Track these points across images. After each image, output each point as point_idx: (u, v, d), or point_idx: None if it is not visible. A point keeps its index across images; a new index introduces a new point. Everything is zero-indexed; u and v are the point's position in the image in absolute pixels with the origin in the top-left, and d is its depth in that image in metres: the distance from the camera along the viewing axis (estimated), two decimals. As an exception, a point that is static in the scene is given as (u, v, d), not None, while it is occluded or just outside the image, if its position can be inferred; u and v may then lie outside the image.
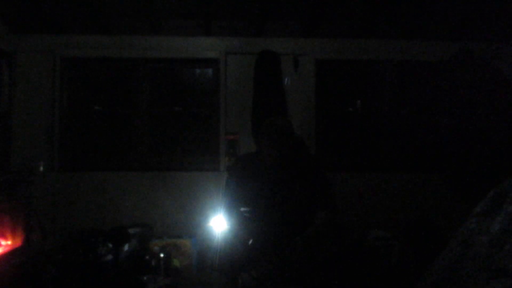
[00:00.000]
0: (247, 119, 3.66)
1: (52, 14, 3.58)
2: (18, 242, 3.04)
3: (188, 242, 3.32)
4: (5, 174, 3.35)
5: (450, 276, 1.24)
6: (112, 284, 2.83)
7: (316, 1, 3.51)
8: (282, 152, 2.40)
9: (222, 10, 3.64)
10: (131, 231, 3.24)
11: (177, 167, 3.80)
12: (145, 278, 2.98)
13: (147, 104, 3.84)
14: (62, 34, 3.74)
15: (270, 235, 2.32)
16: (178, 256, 3.27)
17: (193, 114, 3.93)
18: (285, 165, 2.43)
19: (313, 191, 2.42)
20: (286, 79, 3.75)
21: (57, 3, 3.46)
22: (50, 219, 3.41)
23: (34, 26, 3.68)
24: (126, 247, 3.08)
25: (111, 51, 3.77)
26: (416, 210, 3.59)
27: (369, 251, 3.17)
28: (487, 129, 3.46)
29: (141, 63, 3.82)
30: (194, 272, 3.28)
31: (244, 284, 2.27)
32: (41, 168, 3.55)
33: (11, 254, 2.88)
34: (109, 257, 2.97)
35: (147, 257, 3.18)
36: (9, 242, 2.99)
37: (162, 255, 3.16)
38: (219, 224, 2.73)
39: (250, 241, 2.33)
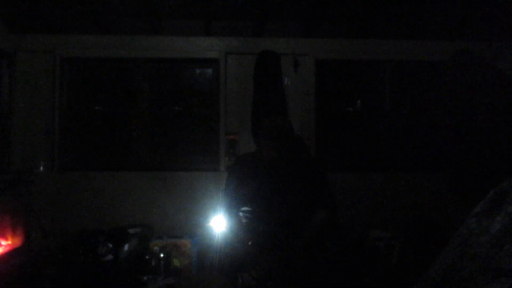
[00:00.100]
0: (247, 119, 3.66)
1: (52, 14, 3.58)
2: (18, 242, 3.04)
3: (188, 242, 3.31)
4: (5, 174, 3.36)
5: (450, 276, 1.24)
6: (112, 284, 2.82)
7: (316, 1, 3.51)
8: (282, 152, 2.40)
9: (222, 10, 3.64)
10: (131, 231, 3.24)
11: (177, 167, 3.80)
12: (145, 278, 2.98)
13: (147, 104, 3.84)
14: (62, 34, 3.74)
15: (269, 235, 2.32)
16: (178, 256, 3.27)
17: (193, 114, 3.92)
18: (285, 165, 2.43)
19: (312, 191, 2.42)
20: (286, 79, 3.74)
21: (57, 3, 3.46)
22: (50, 219, 3.41)
23: (34, 26, 3.68)
24: (126, 247, 3.08)
25: (111, 51, 3.77)
26: (416, 210, 3.59)
27: (369, 251, 3.17)
28: (487, 129, 3.46)
29: (141, 63, 3.82)
30: (194, 272, 3.27)
31: (244, 284, 2.27)
32: (41, 168, 3.55)
33: (11, 254, 2.88)
34: (109, 257, 2.97)
35: (147, 257, 3.17)
36: (9, 242, 2.99)
37: (162, 255, 3.16)
38: (219, 224, 2.73)
39: (250, 242, 2.33)
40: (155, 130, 3.86)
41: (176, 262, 3.24)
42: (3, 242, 2.95)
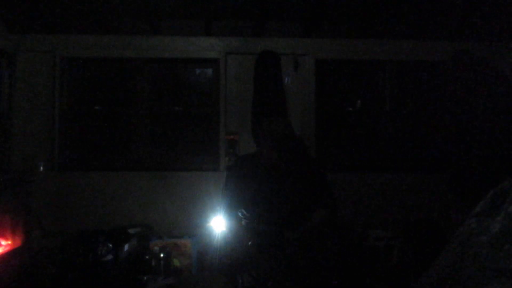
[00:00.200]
0: (247, 119, 3.66)
1: (52, 14, 3.58)
2: (18, 242, 3.04)
3: (188, 242, 3.31)
4: (5, 174, 3.36)
5: (450, 276, 1.24)
6: (112, 284, 2.83)
7: (316, 1, 3.51)
8: (282, 152, 2.40)
9: (222, 10, 3.64)
10: (131, 231, 3.24)
11: (177, 167, 3.80)
12: (145, 278, 2.98)
13: (147, 104, 3.84)
14: (62, 34, 3.74)
15: (269, 235, 2.32)
16: (178, 256, 3.27)
17: (193, 114, 3.92)
18: (285, 166, 2.43)
19: (312, 191, 2.42)
20: (286, 79, 3.75)
21: (57, 3, 3.46)
22: (50, 219, 3.41)
23: (34, 26, 3.68)
24: (126, 247, 3.08)
25: (111, 51, 3.77)
26: (416, 210, 3.59)
27: (369, 251, 3.17)
28: (487, 129, 3.46)
29: (141, 63, 3.82)
30: (194, 272, 3.27)
31: (244, 284, 2.27)
32: (41, 168, 3.55)
33: (11, 254, 2.88)
34: (109, 257, 2.97)
35: (147, 257, 3.17)
36: (9, 242, 2.99)
37: (162, 255, 3.16)
38: (219, 224, 2.73)
39: (250, 242, 2.33)
40: (155, 130, 3.86)
41: (176, 262, 3.24)
42: (3, 242, 2.95)
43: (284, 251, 2.25)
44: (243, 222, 2.44)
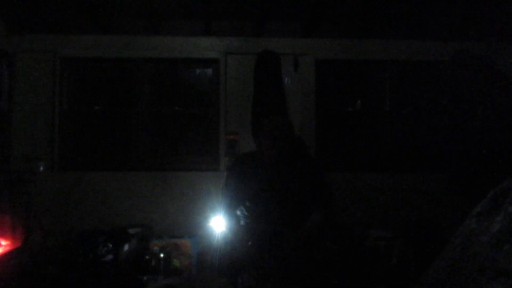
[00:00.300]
0: (247, 119, 3.66)
1: (52, 14, 3.58)
2: (18, 242, 3.04)
3: (188, 242, 3.32)
4: (5, 174, 3.36)
5: (450, 276, 1.24)
6: (112, 284, 2.82)
7: (316, 1, 3.51)
8: (282, 152, 2.40)
9: (222, 10, 3.64)
10: (131, 231, 3.24)
11: (177, 167, 3.80)
12: (145, 278, 2.98)
13: (147, 104, 3.84)
14: (62, 34, 3.74)
15: (269, 235, 2.32)
16: (178, 256, 3.27)
17: (193, 114, 3.93)
18: (285, 165, 2.43)
19: (311, 190, 2.42)
20: (286, 79, 3.74)
21: (57, 3, 3.46)
22: (50, 219, 3.40)
23: (34, 26, 3.68)
24: (126, 247, 3.08)
25: (111, 51, 3.77)
26: (416, 210, 3.59)
27: (369, 251, 3.17)
28: (487, 129, 3.46)
29: (141, 63, 3.83)
30: (194, 272, 3.27)
31: (244, 284, 2.27)
32: (41, 168, 3.55)
33: (11, 254, 2.87)
34: (109, 257, 2.97)
35: (147, 257, 3.18)
36: (9, 242, 2.99)
37: (162, 255, 3.16)
38: (219, 224, 2.73)
39: (250, 242, 2.33)
40: (155, 130, 3.86)
41: (176, 262, 3.24)
42: (3, 242, 2.95)
43: (283, 252, 2.24)
44: (242, 222, 2.44)
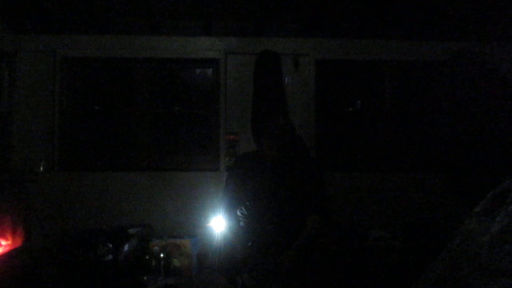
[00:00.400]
0: (247, 119, 3.66)
1: (52, 14, 3.58)
2: (18, 242, 3.04)
3: (188, 242, 3.31)
4: (5, 174, 3.36)
5: (450, 276, 1.24)
6: (112, 284, 2.83)
7: (316, 1, 3.51)
8: (282, 152, 2.40)
9: (222, 10, 3.64)
10: (131, 231, 3.24)
11: (177, 167, 3.80)
12: (145, 278, 2.98)
13: (147, 104, 3.84)
14: (62, 34, 3.74)
15: (269, 235, 2.32)
16: (178, 256, 3.27)
17: (193, 114, 3.92)
18: (285, 165, 2.43)
19: (309, 191, 2.41)
20: (286, 79, 3.75)
21: (57, 3, 3.46)
22: (50, 219, 3.40)
23: (34, 26, 3.68)
24: (126, 247, 3.08)
25: (111, 51, 3.77)
26: (416, 210, 3.59)
27: (370, 251, 3.17)
28: (487, 129, 3.46)
29: (141, 63, 3.82)
30: (194, 272, 3.27)
31: (244, 284, 2.27)
32: (41, 168, 3.55)
33: (11, 254, 2.88)
34: (109, 257, 2.97)
35: (147, 257, 3.17)
36: (9, 242, 2.99)
37: (162, 255, 3.16)
38: (219, 224, 2.73)
39: (250, 242, 2.33)
40: (155, 130, 3.86)
41: (176, 262, 3.24)
42: (3, 242, 2.95)
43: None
44: (242, 222, 2.44)
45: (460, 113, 3.63)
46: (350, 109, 4.03)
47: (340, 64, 3.95)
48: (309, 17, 3.73)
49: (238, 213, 2.46)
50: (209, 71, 3.94)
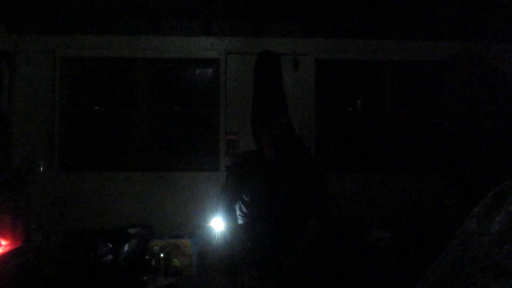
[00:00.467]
0: (247, 119, 3.66)
1: (52, 14, 3.58)
2: (18, 242, 3.04)
3: (188, 242, 3.31)
4: (5, 174, 3.36)
5: (450, 276, 1.24)
6: (112, 284, 2.82)
7: (316, 1, 3.50)
8: (282, 151, 2.40)
9: (222, 10, 3.64)
10: (131, 231, 3.24)
11: (177, 167, 3.80)
12: (145, 278, 2.98)
13: (147, 104, 3.84)
14: (62, 34, 3.74)
15: (268, 235, 2.32)
16: (178, 256, 3.27)
17: (193, 114, 3.92)
18: (284, 165, 2.43)
19: (309, 192, 2.40)
20: (286, 79, 3.74)
21: (57, 3, 3.46)
22: (50, 219, 3.40)
23: (34, 26, 3.68)
24: (126, 247, 3.08)
25: (111, 51, 3.77)
26: (416, 210, 3.59)
27: (370, 251, 3.17)
28: (487, 129, 3.46)
29: (141, 63, 3.82)
30: (194, 272, 3.27)
31: (244, 284, 2.27)
32: (41, 168, 3.55)
33: (11, 254, 2.88)
34: (109, 257, 2.97)
35: (147, 257, 3.17)
36: (9, 242, 2.99)
37: (162, 255, 3.16)
38: (219, 224, 2.73)
39: (250, 242, 2.33)
40: (155, 130, 3.86)
41: (176, 262, 3.24)
42: (3, 242, 2.95)
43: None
44: (241, 222, 2.44)
45: (460, 113, 3.63)
46: (350, 109, 4.03)
47: (340, 64, 3.95)
48: (309, 17, 3.73)
49: (238, 212, 2.46)
50: (209, 71, 3.94)
